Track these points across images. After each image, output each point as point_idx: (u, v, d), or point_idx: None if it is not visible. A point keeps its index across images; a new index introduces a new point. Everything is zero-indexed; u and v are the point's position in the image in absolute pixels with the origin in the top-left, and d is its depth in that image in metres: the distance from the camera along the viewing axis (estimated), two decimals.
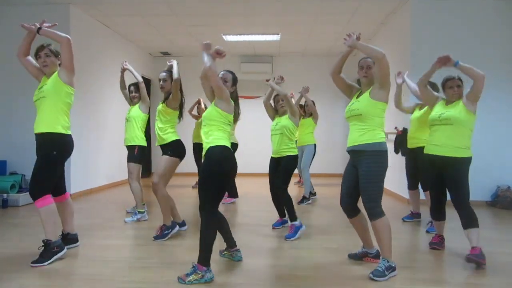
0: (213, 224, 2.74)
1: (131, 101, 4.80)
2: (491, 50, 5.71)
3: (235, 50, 9.15)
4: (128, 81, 4.94)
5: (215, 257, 3.20)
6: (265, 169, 4.42)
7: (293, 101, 4.90)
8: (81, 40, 6.33)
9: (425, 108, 4.02)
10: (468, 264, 3.10)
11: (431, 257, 3.32)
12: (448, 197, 3.33)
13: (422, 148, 3.53)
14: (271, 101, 4.36)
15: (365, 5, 6.00)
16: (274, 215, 4.47)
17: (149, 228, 4.23)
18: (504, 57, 5.73)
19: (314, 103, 5.98)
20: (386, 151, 2.84)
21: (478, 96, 3.11)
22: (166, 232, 3.80)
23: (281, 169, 4.02)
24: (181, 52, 9.35)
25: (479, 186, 5.71)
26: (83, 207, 5.50)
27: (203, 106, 6.72)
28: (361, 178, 2.81)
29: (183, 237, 3.91)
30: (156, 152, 4.30)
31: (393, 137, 5.51)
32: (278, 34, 7.72)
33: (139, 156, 4.55)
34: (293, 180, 6.17)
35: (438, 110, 3.26)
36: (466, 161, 3.14)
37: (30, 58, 3.28)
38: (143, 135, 4.64)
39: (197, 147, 6.70)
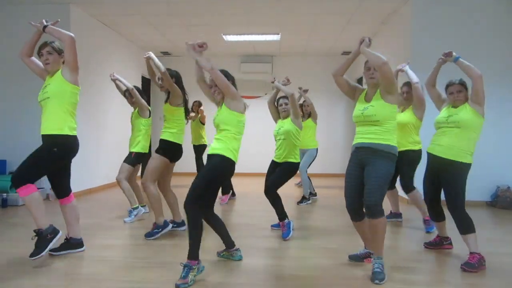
0: (199, 219, 2.75)
1: (132, 105, 4.82)
2: (491, 50, 5.71)
3: (235, 50, 9.16)
4: (129, 80, 4.92)
5: (214, 257, 3.22)
6: (265, 169, 4.39)
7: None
8: (81, 39, 6.31)
9: (406, 110, 4.11)
10: None
11: (431, 258, 3.32)
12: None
13: (401, 151, 3.53)
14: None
15: (365, 5, 6.00)
16: (274, 215, 4.47)
17: (149, 229, 4.22)
18: (504, 57, 5.73)
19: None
20: (396, 156, 2.83)
21: (480, 97, 3.05)
22: (156, 231, 3.80)
23: (280, 171, 3.99)
24: (181, 52, 9.35)
25: (479, 186, 5.72)
26: (83, 207, 5.50)
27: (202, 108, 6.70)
28: (370, 176, 2.75)
29: (183, 237, 3.90)
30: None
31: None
32: (278, 34, 7.72)
33: (135, 160, 4.60)
34: (294, 180, 6.16)
35: (446, 113, 3.22)
36: (464, 167, 3.08)
37: (34, 58, 3.26)
38: (144, 141, 4.64)
39: (197, 148, 6.71)
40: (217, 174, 2.82)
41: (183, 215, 4.22)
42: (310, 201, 5.86)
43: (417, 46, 5.76)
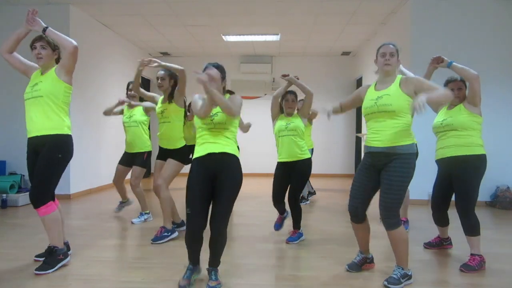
0: None
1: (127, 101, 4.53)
2: (491, 50, 5.72)
3: (234, 51, 9.16)
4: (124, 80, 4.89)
5: None
6: (264, 169, 4.39)
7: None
8: (80, 40, 6.30)
9: None
10: None
11: (431, 258, 3.32)
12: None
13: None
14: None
15: (365, 5, 6.01)
16: (273, 215, 4.49)
17: (148, 229, 4.23)
18: (504, 57, 5.73)
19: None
20: (416, 155, 2.71)
21: (476, 98, 3.01)
22: (165, 234, 3.75)
23: (298, 174, 3.65)
24: (180, 52, 9.35)
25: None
26: (83, 207, 5.50)
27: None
28: (387, 179, 2.58)
29: (183, 237, 3.90)
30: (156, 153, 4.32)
31: None
32: (278, 34, 7.73)
33: (147, 161, 4.53)
34: None
35: (440, 117, 3.21)
36: (479, 159, 2.99)
37: (16, 54, 3.05)
38: (149, 139, 4.63)
39: (190, 148, 6.63)
40: (240, 175, 2.60)
41: (182, 216, 4.22)
42: (308, 201, 5.88)
43: (417, 46, 5.77)
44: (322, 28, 7.26)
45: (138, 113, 4.52)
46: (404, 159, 2.56)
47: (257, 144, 8.70)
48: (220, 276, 2.65)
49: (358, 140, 9.08)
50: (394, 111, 2.54)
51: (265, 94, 9.71)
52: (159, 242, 3.67)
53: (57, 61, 3.03)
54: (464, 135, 3.04)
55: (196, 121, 2.66)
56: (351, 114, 9.45)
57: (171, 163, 3.83)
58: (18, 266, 2.99)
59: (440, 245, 3.51)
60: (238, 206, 5.65)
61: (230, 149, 2.58)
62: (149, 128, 4.85)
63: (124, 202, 4.88)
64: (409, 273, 2.70)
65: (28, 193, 5.48)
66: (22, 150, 5.97)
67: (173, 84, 3.87)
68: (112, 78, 7.51)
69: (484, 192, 5.68)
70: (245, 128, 4.42)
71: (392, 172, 2.56)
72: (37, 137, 2.87)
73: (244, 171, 2.65)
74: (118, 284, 2.68)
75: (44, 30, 2.91)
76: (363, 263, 2.95)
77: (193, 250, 2.61)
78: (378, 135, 2.61)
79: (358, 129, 9.16)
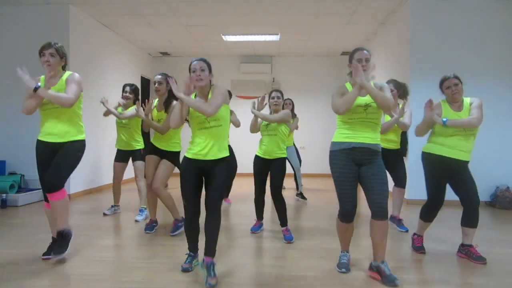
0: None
1: (123, 103, 4.81)
2: (490, 50, 5.72)
3: (234, 50, 9.16)
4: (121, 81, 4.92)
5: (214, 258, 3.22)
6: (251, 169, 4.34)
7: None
8: (80, 40, 6.33)
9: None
10: (467, 264, 3.11)
11: (429, 258, 3.32)
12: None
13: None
14: (267, 100, 4.06)
15: (365, 5, 6.01)
16: (271, 215, 4.52)
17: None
18: (504, 56, 5.73)
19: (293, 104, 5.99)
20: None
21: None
22: (180, 224, 3.99)
23: (277, 171, 3.83)
24: (180, 52, 9.35)
25: (478, 186, 5.61)
26: (83, 207, 5.50)
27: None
28: (379, 174, 2.72)
29: (183, 237, 3.90)
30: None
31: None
32: (277, 34, 7.73)
33: (144, 154, 4.74)
34: (294, 191, 6.17)
35: (451, 117, 3.20)
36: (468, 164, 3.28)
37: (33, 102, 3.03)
38: (142, 137, 4.91)
39: None
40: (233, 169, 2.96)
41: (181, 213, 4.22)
42: (306, 199, 6.03)
43: (417, 46, 5.77)
44: (322, 28, 7.26)
45: (130, 113, 4.65)
46: (380, 156, 2.81)
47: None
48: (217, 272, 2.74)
49: None
50: (377, 107, 2.73)
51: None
52: (177, 232, 3.96)
53: (64, 68, 3.14)
54: (469, 139, 3.22)
55: (191, 121, 2.81)
56: None
57: (166, 164, 3.93)
58: (18, 266, 2.99)
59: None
60: (236, 206, 5.65)
61: (220, 153, 2.78)
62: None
63: (117, 207, 5.05)
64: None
65: (27, 193, 5.54)
66: (21, 150, 6.04)
67: (169, 89, 3.85)
68: (112, 78, 7.50)
69: (484, 192, 5.68)
70: (235, 123, 5.09)
71: (379, 167, 2.75)
72: (58, 143, 3.07)
73: (240, 171, 2.71)
74: (118, 284, 2.68)
75: (35, 89, 2.89)
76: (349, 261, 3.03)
77: (191, 239, 2.94)
78: (364, 132, 2.74)
79: None
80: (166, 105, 3.88)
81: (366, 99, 2.75)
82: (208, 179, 2.78)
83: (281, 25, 7.14)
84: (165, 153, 3.97)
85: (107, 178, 7.15)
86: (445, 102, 3.30)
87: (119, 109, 4.83)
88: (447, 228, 4.10)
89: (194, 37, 8.00)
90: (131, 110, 4.60)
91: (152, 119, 3.97)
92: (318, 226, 4.42)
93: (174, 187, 6.21)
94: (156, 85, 3.92)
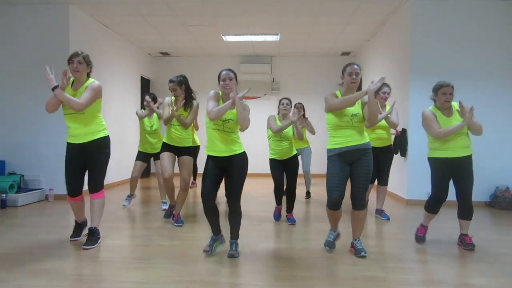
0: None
1: (146, 108, 5.42)
2: (490, 50, 5.72)
3: (234, 51, 9.16)
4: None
5: (214, 258, 3.22)
6: (263, 169, 4.53)
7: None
8: (80, 40, 6.33)
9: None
10: (466, 264, 3.13)
11: (430, 258, 3.32)
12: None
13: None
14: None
15: (364, 5, 6.01)
16: (272, 215, 4.54)
17: (148, 229, 4.24)
18: (502, 57, 5.73)
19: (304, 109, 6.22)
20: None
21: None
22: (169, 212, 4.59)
23: (293, 167, 4.54)
24: (180, 52, 9.35)
25: (478, 187, 5.62)
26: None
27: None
28: (363, 170, 3.21)
29: (183, 237, 3.91)
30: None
31: (391, 138, 5.51)
32: (277, 34, 7.73)
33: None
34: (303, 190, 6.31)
35: (446, 123, 3.45)
36: (472, 157, 3.53)
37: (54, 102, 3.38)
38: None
39: (194, 150, 6.87)
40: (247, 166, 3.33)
41: (182, 215, 4.21)
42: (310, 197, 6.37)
43: (416, 46, 5.77)
44: (322, 28, 7.27)
45: (156, 122, 5.47)
46: (370, 154, 3.25)
47: (256, 144, 8.71)
48: (239, 248, 3.30)
49: None
50: (362, 116, 3.20)
51: (265, 94, 9.72)
52: (168, 218, 4.56)
53: (88, 75, 3.52)
54: (465, 138, 3.48)
55: (207, 120, 3.17)
56: None
57: (188, 160, 4.33)
58: (18, 266, 2.98)
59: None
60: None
61: (237, 148, 3.24)
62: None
63: (132, 196, 5.60)
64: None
65: (27, 193, 5.55)
66: (21, 150, 6.03)
67: (185, 89, 4.26)
68: (111, 78, 7.50)
69: (484, 192, 5.69)
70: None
71: (366, 165, 3.22)
72: (85, 142, 3.47)
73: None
74: (118, 284, 2.68)
75: (53, 88, 3.26)
76: (337, 238, 3.50)
77: (212, 222, 3.31)
78: (351, 136, 3.19)
79: None
80: (186, 104, 4.24)
81: (353, 109, 3.18)
82: (227, 173, 3.24)
83: (281, 25, 7.14)
84: (182, 149, 4.37)
85: (107, 178, 7.13)
86: (436, 109, 3.54)
87: (146, 118, 5.43)
88: (447, 228, 4.10)
89: (194, 37, 8.00)
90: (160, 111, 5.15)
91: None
92: (318, 226, 4.43)
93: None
94: (172, 92, 4.29)
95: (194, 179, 7.43)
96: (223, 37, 7.92)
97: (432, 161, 3.57)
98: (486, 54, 5.71)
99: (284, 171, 4.56)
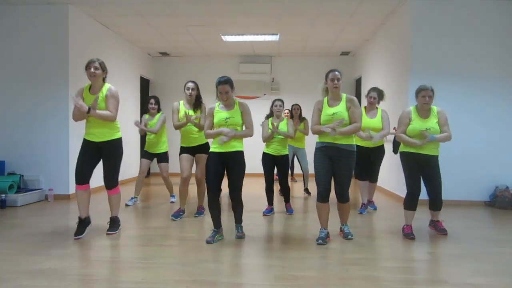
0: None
1: (148, 111, 5.64)
2: (490, 50, 5.73)
3: (234, 51, 9.16)
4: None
5: (214, 258, 3.22)
6: (262, 169, 4.64)
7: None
8: (79, 40, 6.33)
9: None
10: (466, 264, 3.12)
11: (430, 258, 3.33)
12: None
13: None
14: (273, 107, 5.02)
15: (364, 5, 6.01)
16: (272, 216, 4.51)
17: (149, 229, 4.24)
18: (502, 57, 5.73)
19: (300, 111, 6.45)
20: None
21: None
22: (202, 211, 4.82)
23: (284, 165, 4.91)
24: (180, 52, 9.34)
25: (478, 186, 5.73)
26: None
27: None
28: (343, 169, 3.58)
29: (183, 237, 3.91)
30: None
31: (391, 137, 5.51)
32: (277, 34, 7.73)
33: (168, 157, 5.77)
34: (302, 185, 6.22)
35: (421, 125, 3.78)
36: (438, 158, 3.87)
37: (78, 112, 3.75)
38: (166, 141, 5.78)
39: None
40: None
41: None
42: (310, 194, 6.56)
43: (416, 46, 5.77)
44: (321, 28, 7.27)
45: (157, 124, 5.59)
46: (352, 156, 3.61)
47: (256, 144, 8.71)
48: (244, 230, 3.81)
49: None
50: (346, 122, 3.54)
51: (264, 94, 9.71)
52: (201, 216, 4.77)
53: (104, 79, 3.84)
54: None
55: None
56: None
57: (203, 157, 4.54)
58: (17, 266, 2.98)
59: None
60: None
61: (237, 146, 3.68)
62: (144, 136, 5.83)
63: (136, 198, 5.70)
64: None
65: (27, 193, 5.55)
66: (21, 151, 6.02)
67: (197, 94, 4.66)
68: (111, 78, 7.45)
69: (483, 192, 5.69)
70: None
71: (345, 165, 3.57)
72: (101, 142, 3.76)
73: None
74: (118, 284, 2.68)
75: (88, 110, 3.61)
76: (328, 235, 3.71)
77: (214, 216, 3.66)
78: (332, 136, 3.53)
79: None
80: (195, 106, 4.63)
81: (334, 109, 3.57)
82: (228, 167, 3.68)
83: (281, 25, 7.14)
84: (198, 148, 4.66)
85: None
86: (415, 109, 3.87)
87: (148, 119, 5.60)
88: (447, 228, 4.10)
89: (194, 37, 8.00)
90: (159, 118, 5.52)
91: (179, 120, 4.61)
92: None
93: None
94: (190, 91, 4.58)
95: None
96: (222, 37, 7.91)
97: (403, 155, 3.90)
98: (486, 54, 5.71)
99: (275, 167, 4.91)
